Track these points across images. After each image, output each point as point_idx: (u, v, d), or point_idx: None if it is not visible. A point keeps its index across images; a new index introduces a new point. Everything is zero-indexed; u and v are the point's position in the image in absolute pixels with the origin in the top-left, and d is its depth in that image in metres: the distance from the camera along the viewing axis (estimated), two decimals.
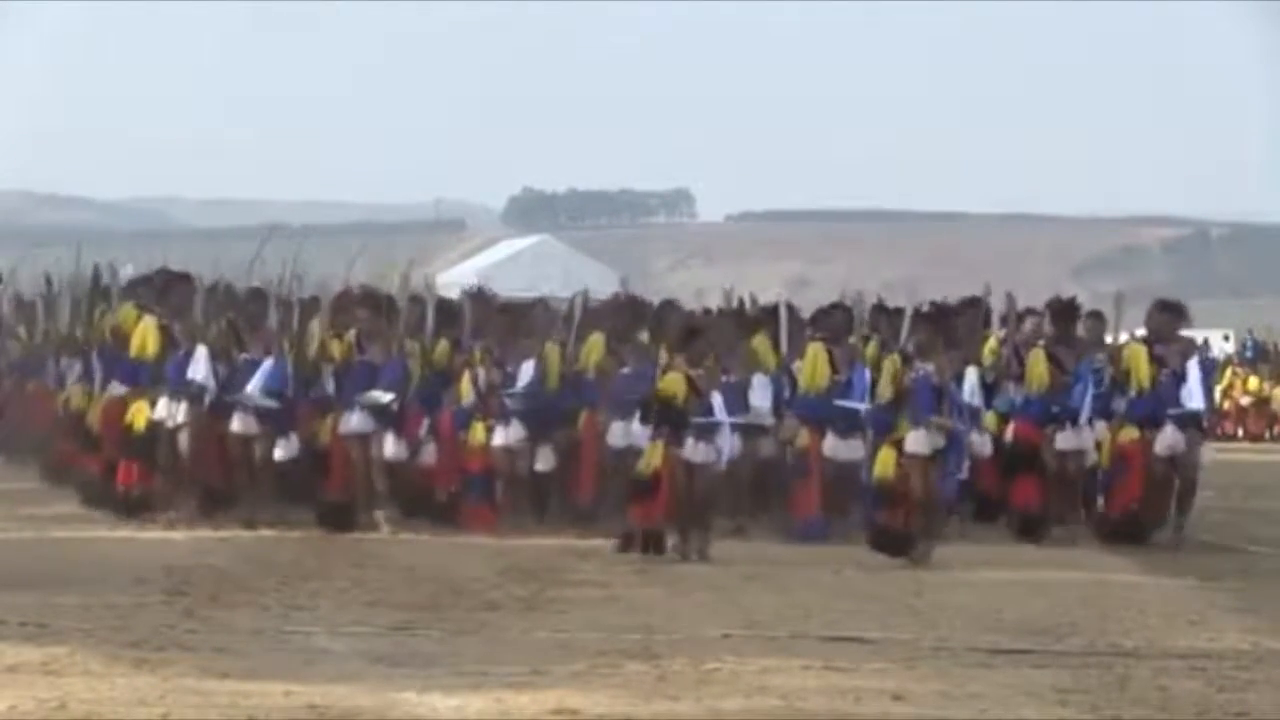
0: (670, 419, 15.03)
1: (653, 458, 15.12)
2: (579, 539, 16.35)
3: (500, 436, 17.04)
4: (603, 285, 24.58)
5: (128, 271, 20.05)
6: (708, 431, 15.00)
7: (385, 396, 16.79)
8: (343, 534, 16.45)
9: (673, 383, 15.10)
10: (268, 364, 16.79)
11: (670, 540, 15.08)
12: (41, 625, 11.19)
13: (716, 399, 15.05)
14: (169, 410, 16.71)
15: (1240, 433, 39.82)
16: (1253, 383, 41.59)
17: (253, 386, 16.74)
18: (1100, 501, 17.24)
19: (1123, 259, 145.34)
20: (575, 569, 14.64)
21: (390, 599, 12.78)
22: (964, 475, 15.53)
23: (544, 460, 17.27)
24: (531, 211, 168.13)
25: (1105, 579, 14.59)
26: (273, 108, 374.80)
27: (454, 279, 25.48)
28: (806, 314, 18.48)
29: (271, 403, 16.71)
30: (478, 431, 17.10)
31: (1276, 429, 40.35)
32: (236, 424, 16.81)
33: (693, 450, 14.95)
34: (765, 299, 19.68)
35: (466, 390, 17.22)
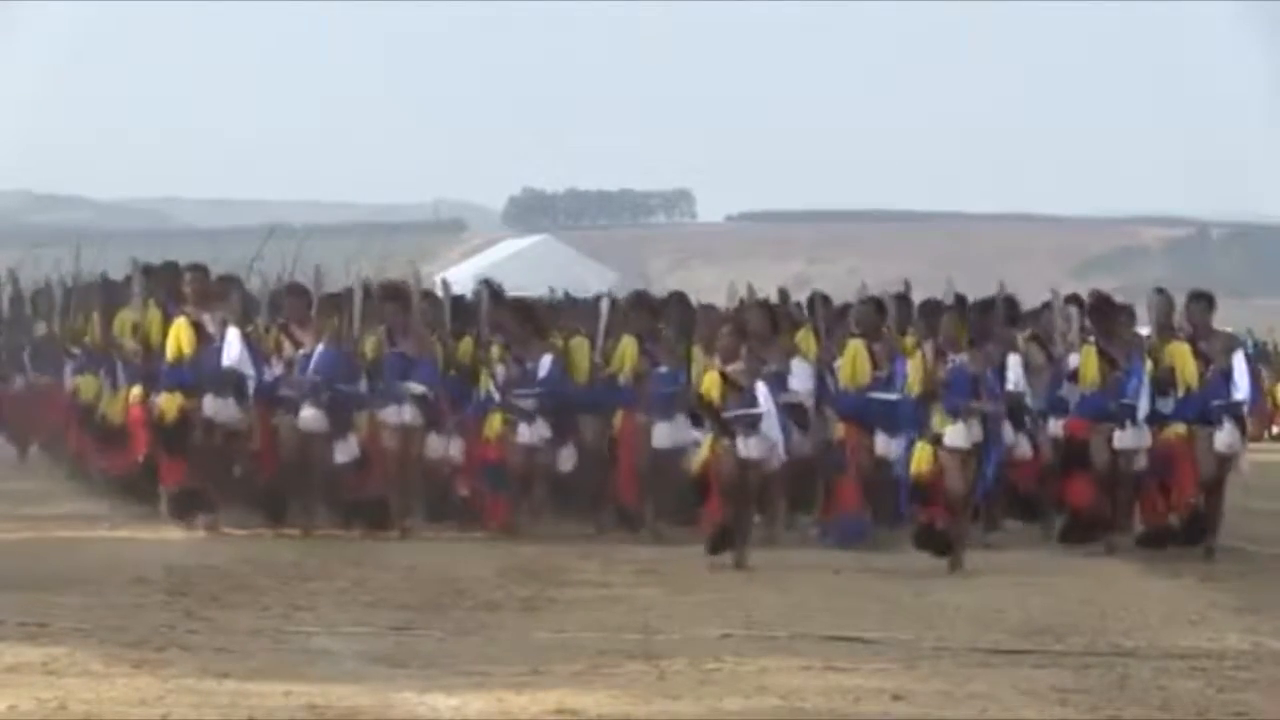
0: (711, 419, 14.85)
1: (703, 455, 14.95)
2: (618, 541, 16.32)
3: (525, 434, 16.90)
4: (603, 285, 24.58)
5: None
6: (753, 423, 14.74)
7: (419, 387, 16.73)
8: (375, 532, 16.38)
9: (709, 384, 14.91)
10: (318, 350, 16.73)
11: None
12: (41, 625, 11.20)
13: (761, 389, 14.80)
14: (217, 408, 16.48)
15: None
16: None
17: (308, 373, 16.64)
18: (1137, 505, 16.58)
19: (1123, 259, 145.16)
20: (575, 569, 14.64)
21: (390, 599, 12.79)
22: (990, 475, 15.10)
23: (566, 460, 17.08)
24: (531, 211, 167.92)
25: (1105, 579, 14.59)
26: (273, 108, 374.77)
27: (454, 279, 25.50)
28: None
29: (318, 380, 16.53)
30: (494, 423, 16.97)
31: (1276, 429, 40.33)
32: (304, 421, 16.57)
33: (745, 447, 14.72)
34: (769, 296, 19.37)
35: (486, 386, 17.09)
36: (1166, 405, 16.29)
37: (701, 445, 15.03)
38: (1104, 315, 16.88)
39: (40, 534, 16.42)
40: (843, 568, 14.83)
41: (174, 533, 16.39)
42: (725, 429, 14.76)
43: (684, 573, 14.43)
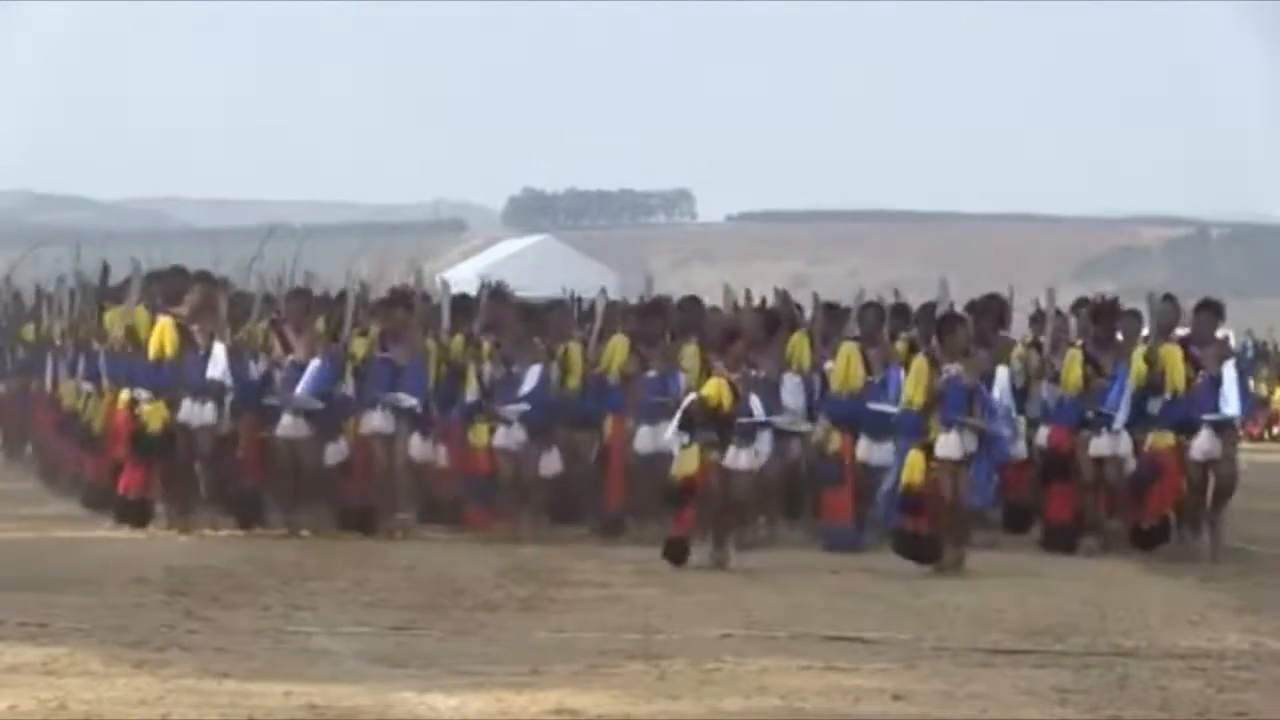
0: (715, 426, 14.65)
1: (687, 464, 14.75)
2: (605, 545, 16.29)
3: (501, 438, 16.87)
4: (603, 286, 24.50)
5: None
6: (749, 436, 14.66)
7: (408, 400, 16.67)
8: (366, 537, 16.33)
9: (717, 389, 14.70)
10: (315, 364, 16.67)
11: (698, 548, 14.74)
12: (41, 625, 11.20)
13: (755, 401, 14.73)
14: (193, 412, 16.50)
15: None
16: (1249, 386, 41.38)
17: (301, 388, 16.54)
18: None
19: (1123, 259, 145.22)
20: (575, 569, 14.63)
21: (390, 599, 12.79)
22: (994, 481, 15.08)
23: (549, 465, 16.99)
24: (531, 211, 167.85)
25: (1105, 579, 14.59)
26: (273, 107, 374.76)
27: (454, 279, 25.49)
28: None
29: (318, 404, 16.51)
30: (481, 433, 16.97)
31: (1276, 429, 40.29)
32: (284, 428, 16.58)
33: (735, 457, 14.62)
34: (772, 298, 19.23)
35: (472, 384, 17.07)
36: (1155, 406, 16.28)
37: (686, 453, 14.79)
38: (1103, 321, 16.82)
39: (40, 534, 16.42)
40: (842, 568, 14.82)
41: (173, 533, 16.39)
42: (725, 437, 14.65)
43: (684, 573, 14.43)
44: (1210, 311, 16.51)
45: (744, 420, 14.71)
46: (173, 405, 16.55)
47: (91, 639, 10.80)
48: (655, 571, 14.47)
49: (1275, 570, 15.60)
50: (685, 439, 14.82)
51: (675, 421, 14.90)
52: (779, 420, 15.22)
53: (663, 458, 16.24)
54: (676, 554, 14.73)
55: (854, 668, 10.36)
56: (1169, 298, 17.11)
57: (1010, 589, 13.83)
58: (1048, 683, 10.05)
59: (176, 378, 16.56)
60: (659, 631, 11.53)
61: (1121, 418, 16.17)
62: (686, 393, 15.45)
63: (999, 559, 15.48)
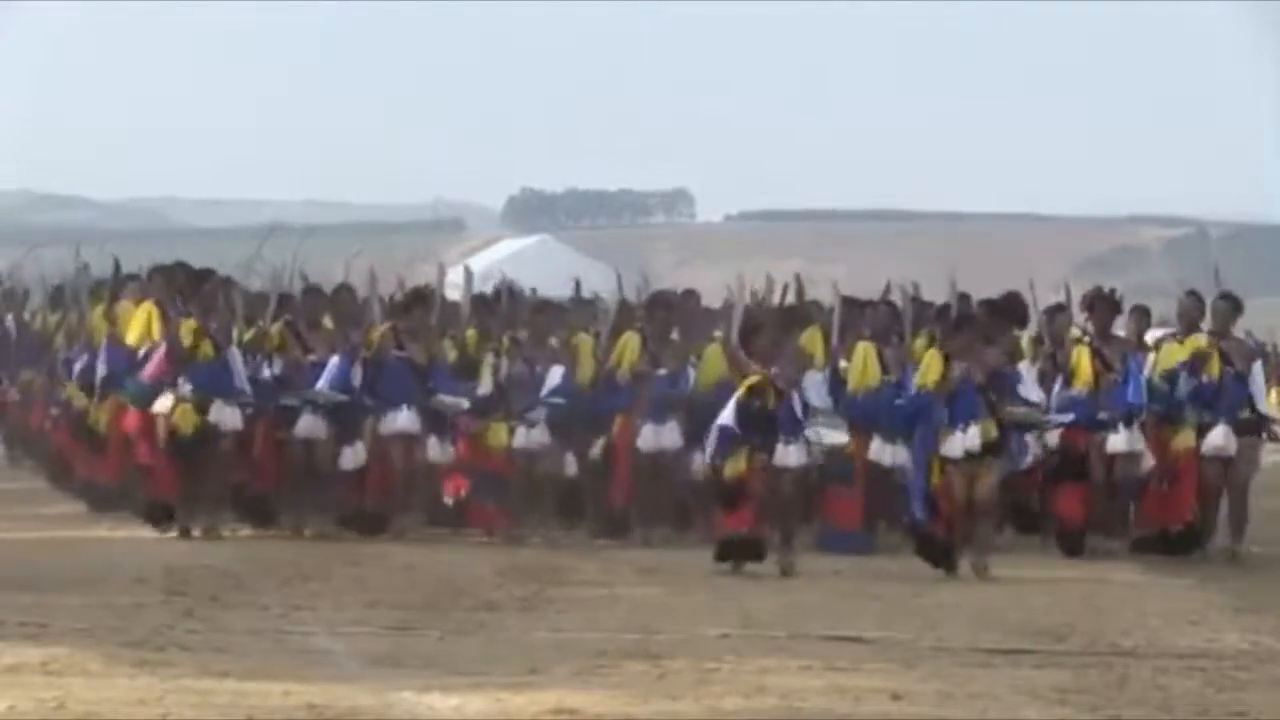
0: (763, 424, 14.43)
1: (738, 463, 14.47)
2: (613, 545, 16.28)
3: (522, 438, 16.79)
4: (603, 285, 24.51)
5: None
6: (795, 433, 14.46)
7: (461, 403, 16.47)
8: (370, 538, 16.28)
9: (759, 387, 14.43)
10: (334, 360, 16.55)
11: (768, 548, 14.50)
12: (41, 625, 11.19)
13: (797, 398, 14.51)
14: (223, 415, 16.24)
15: None
16: None
17: (322, 383, 16.44)
18: (1131, 510, 16.45)
19: (1123, 259, 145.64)
20: (575, 569, 14.63)
21: (390, 599, 12.78)
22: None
23: (571, 465, 16.86)
24: (531, 211, 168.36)
25: (1105, 579, 14.58)
26: (273, 107, 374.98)
27: (454, 279, 25.36)
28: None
29: (341, 397, 16.37)
30: (499, 432, 16.88)
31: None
32: (302, 428, 16.49)
33: (784, 454, 14.41)
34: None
35: (486, 378, 17.01)
36: (1185, 387, 15.97)
37: (734, 454, 14.50)
38: (1098, 312, 16.69)
39: (40, 534, 16.42)
40: (842, 569, 14.81)
41: (173, 533, 16.38)
42: (766, 436, 14.44)
43: (684, 573, 14.42)
44: (1229, 303, 16.43)
45: (816, 423, 14.52)
46: (201, 408, 16.29)
47: (91, 639, 10.80)
48: (655, 571, 14.47)
49: (1275, 570, 15.61)
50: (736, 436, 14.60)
51: (730, 419, 14.60)
52: (819, 425, 14.98)
53: (667, 456, 16.21)
54: (729, 553, 14.45)
55: (854, 668, 10.35)
56: (1192, 292, 16.99)
57: (1010, 589, 13.83)
58: (1047, 683, 10.04)
59: (211, 381, 16.37)
60: (659, 631, 11.52)
61: (1140, 400, 15.83)
62: (694, 391, 15.41)
63: (998, 559, 15.42)
